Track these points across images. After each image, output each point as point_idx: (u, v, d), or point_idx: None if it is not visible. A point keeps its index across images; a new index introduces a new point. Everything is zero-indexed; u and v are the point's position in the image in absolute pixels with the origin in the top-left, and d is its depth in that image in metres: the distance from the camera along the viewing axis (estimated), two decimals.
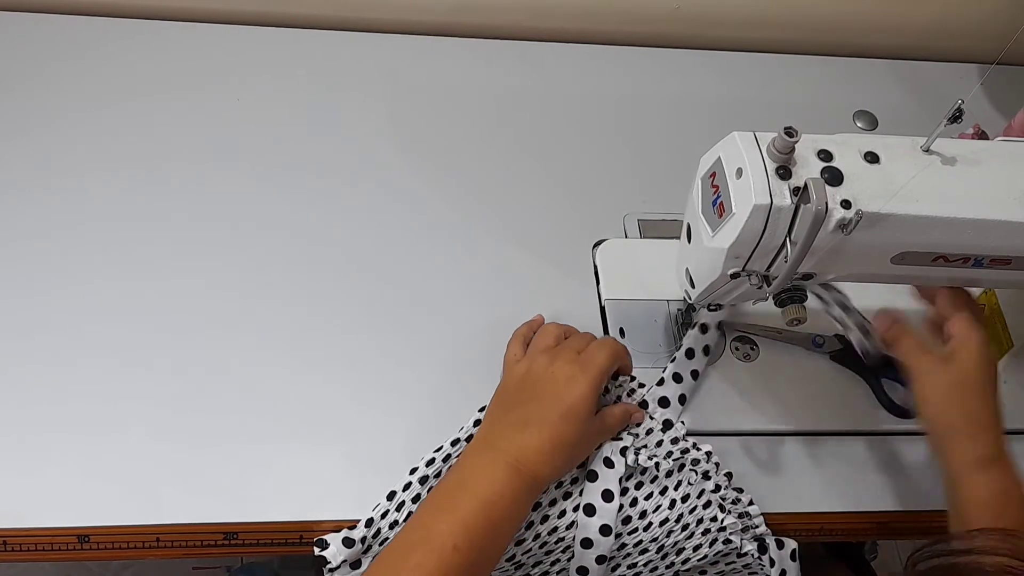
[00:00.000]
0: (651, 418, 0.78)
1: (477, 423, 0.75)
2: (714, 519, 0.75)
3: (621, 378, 0.78)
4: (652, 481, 0.76)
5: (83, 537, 0.72)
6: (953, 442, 0.71)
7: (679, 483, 0.76)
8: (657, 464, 0.75)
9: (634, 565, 0.76)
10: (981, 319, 0.74)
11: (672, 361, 0.82)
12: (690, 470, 0.76)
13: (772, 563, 0.75)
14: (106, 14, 1.01)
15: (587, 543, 0.74)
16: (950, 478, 0.71)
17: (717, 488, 0.76)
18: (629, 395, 0.79)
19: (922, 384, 0.73)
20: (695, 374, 0.82)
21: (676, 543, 0.75)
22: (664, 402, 0.80)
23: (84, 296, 0.82)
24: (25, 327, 0.80)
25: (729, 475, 0.77)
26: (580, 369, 0.72)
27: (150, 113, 0.94)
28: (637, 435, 0.76)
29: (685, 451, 0.76)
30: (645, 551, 0.75)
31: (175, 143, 0.93)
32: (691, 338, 0.83)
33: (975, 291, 0.91)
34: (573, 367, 0.72)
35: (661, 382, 0.81)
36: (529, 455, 0.69)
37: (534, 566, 0.76)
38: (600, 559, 0.74)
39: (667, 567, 0.76)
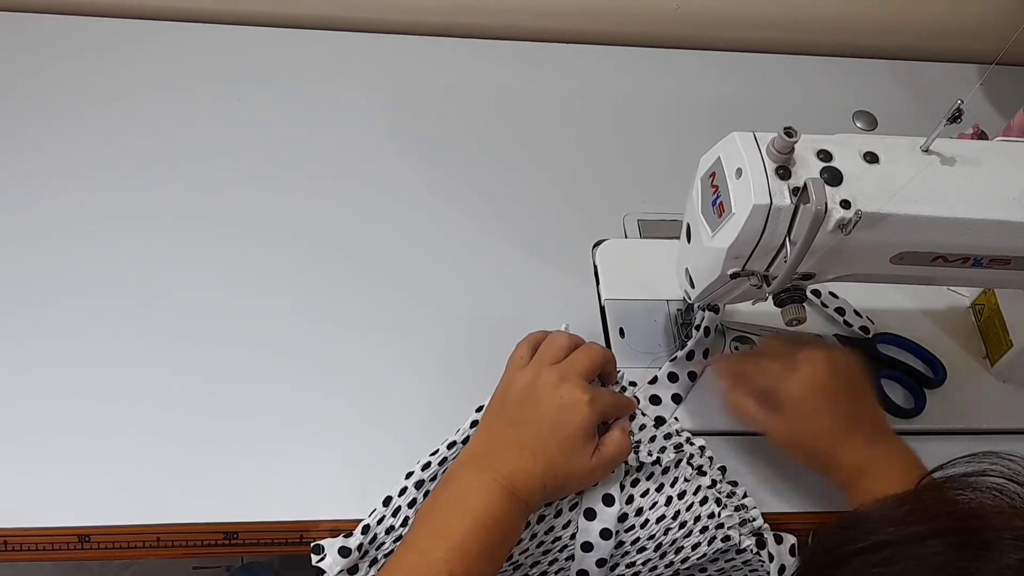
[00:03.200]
0: (643, 414, 0.78)
1: (474, 424, 0.75)
2: (711, 515, 0.75)
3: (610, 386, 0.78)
4: (648, 478, 0.76)
5: (83, 537, 0.72)
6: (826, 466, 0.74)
7: (675, 480, 0.76)
8: (658, 460, 0.75)
9: (633, 564, 0.76)
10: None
11: (671, 360, 0.82)
12: (686, 465, 0.76)
13: (771, 558, 0.75)
14: (106, 14, 1.01)
15: (587, 547, 0.74)
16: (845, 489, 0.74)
17: (713, 483, 0.76)
18: (621, 392, 0.79)
19: (771, 435, 0.76)
20: (692, 375, 0.82)
21: (674, 541, 0.75)
22: (655, 399, 0.80)
23: (84, 296, 0.82)
24: (25, 327, 0.80)
25: (723, 469, 0.78)
26: (585, 397, 0.71)
27: (150, 113, 0.94)
28: (631, 432, 0.76)
29: (679, 447, 0.77)
30: (643, 549, 0.75)
31: (175, 143, 0.93)
32: (694, 340, 0.83)
33: (975, 291, 0.91)
34: (578, 392, 0.71)
35: (654, 380, 0.81)
36: (523, 479, 0.68)
37: (532, 566, 0.76)
38: (600, 562, 0.74)
39: (666, 566, 0.76)
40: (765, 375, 0.76)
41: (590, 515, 0.74)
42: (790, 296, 0.71)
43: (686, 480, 0.76)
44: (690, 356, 0.82)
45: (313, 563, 0.70)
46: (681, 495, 0.75)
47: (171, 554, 0.73)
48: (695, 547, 0.75)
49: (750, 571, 0.79)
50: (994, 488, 0.52)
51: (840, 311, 0.88)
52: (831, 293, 0.89)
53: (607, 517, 0.74)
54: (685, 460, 0.76)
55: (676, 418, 0.79)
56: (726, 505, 0.76)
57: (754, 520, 0.77)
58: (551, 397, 0.70)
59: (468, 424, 0.76)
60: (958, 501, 0.52)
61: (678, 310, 0.86)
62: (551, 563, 0.76)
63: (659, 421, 0.78)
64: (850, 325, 0.88)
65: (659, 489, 0.76)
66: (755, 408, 0.75)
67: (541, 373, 0.72)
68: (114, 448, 0.75)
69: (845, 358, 0.76)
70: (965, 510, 0.51)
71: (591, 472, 0.72)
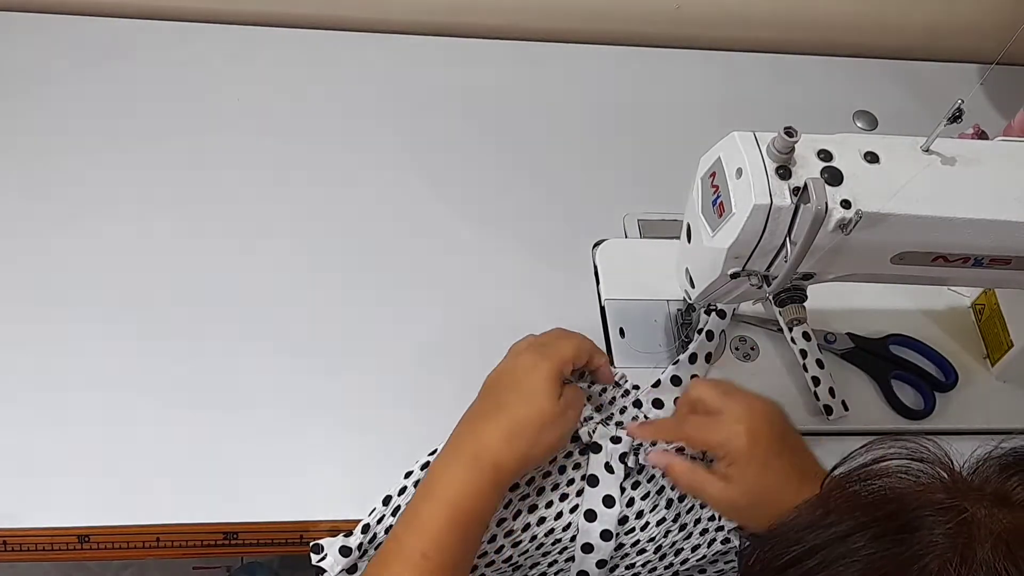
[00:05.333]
0: (646, 417, 0.78)
1: None
2: (711, 518, 0.75)
3: (599, 385, 0.78)
4: (649, 481, 0.76)
5: (83, 537, 0.72)
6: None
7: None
8: None
9: (632, 566, 0.76)
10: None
11: (674, 364, 0.82)
12: None
13: None
14: (106, 14, 1.01)
15: (588, 548, 0.74)
16: None
17: None
18: (624, 395, 0.79)
19: (717, 504, 0.72)
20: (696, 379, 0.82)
21: (674, 543, 0.75)
22: (658, 403, 0.80)
23: (83, 296, 0.82)
24: (25, 327, 0.80)
25: None
26: (540, 356, 0.71)
27: (151, 113, 0.94)
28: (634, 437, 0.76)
29: (680, 449, 0.76)
30: (643, 551, 0.75)
31: (175, 143, 0.93)
32: (697, 343, 0.82)
33: (975, 291, 0.91)
34: (534, 355, 0.71)
35: (657, 384, 0.80)
36: (487, 442, 0.69)
37: (532, 567, 0.76)
38: (600, 563, 0.74)
39: (666, 568, 0.76)
40: (701, 436, 0.72)
41: (590, 516, 0.74)
42: (790, 296, 0.71)
43: None
44: (692, 359, 0.82)
45: (313, 563, 0.70)
46: (681, 497, 0.75)
47: (171, 554, 0.73)
48: (695, 549, 0.75)
49: None
50: (899, 471, 0.52)
51: None
52: None
53: (607, 518, 0.74)
54: None
55: None
56: None
57: None
58: (508, 368, 0.72)
59: None
60: (869, 491, 0.52)
61: (678, 310, 0.86)
62: (550, 564, 0.76)
63: None
64: None
65: (659, 491, 0.76)
66: (709, 479, 0.70)
67: (503, 360, 0.73)
68: (114, 448, 0.75)
69: (770, 406, 0.73)
70: (878, 498, 0.51)
71: (562, 415, 0.70)
